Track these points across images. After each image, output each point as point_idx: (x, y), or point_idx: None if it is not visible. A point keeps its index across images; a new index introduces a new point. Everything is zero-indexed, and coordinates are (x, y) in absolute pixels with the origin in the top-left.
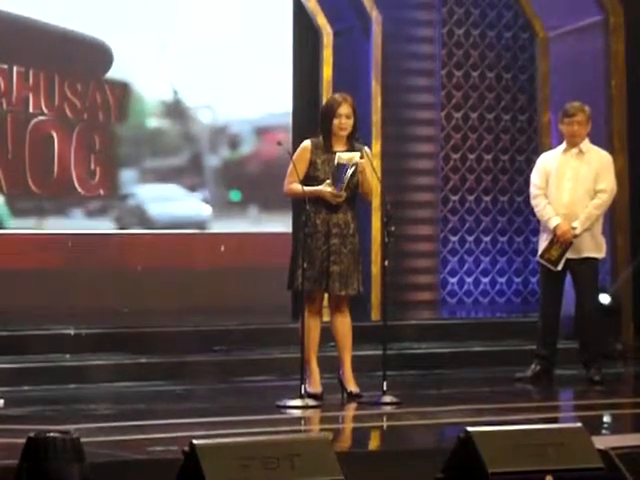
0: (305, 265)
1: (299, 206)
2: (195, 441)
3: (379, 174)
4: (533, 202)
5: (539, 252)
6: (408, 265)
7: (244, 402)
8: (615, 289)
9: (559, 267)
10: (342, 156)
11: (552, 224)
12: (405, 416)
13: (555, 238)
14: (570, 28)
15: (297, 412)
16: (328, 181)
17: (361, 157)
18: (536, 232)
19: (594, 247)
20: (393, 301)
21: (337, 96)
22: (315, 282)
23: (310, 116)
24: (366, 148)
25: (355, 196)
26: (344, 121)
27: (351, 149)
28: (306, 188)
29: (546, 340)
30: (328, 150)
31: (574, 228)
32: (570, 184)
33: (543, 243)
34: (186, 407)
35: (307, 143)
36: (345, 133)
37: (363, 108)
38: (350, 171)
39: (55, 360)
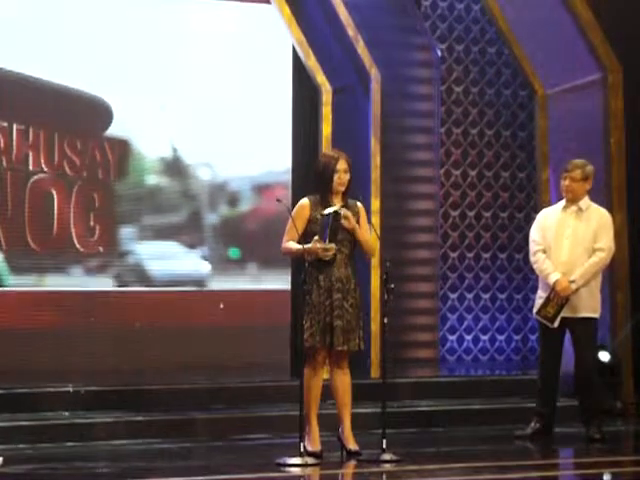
0: (309, 322)
1: (299, 263)
2: None
3: (378, 231)
4: (532, 258)
5: (535, 309)
6: (407, 322)
7: (243, 460)
8: (615, 347)
9: (555, 324)
10: (326, 211)
11: (552, 279)
12: (405, 474)
13: (552, 294)
14: (569, 86)
15: (297, 470)
16: (316, 237)
17: (343, 206)
18: (535, 289)
19: (592, 307)
20: (393, 359)
21: (332, 152)
22: (319, 337)
23: (310, 173)
24: (358, 203)
25: (354, 251)
26: (343, 176)
27: (345, 205)
28: (302, 246)
29: (546, 398)
30: (327, 206)
31: (572, 282)
32: (569, 242)
33: (539, 300)
34: (185, 465)
35: (305, 201)
36: (343, 188)
37: (362, 165)
38: (330, 218)
39: (53, 418)
